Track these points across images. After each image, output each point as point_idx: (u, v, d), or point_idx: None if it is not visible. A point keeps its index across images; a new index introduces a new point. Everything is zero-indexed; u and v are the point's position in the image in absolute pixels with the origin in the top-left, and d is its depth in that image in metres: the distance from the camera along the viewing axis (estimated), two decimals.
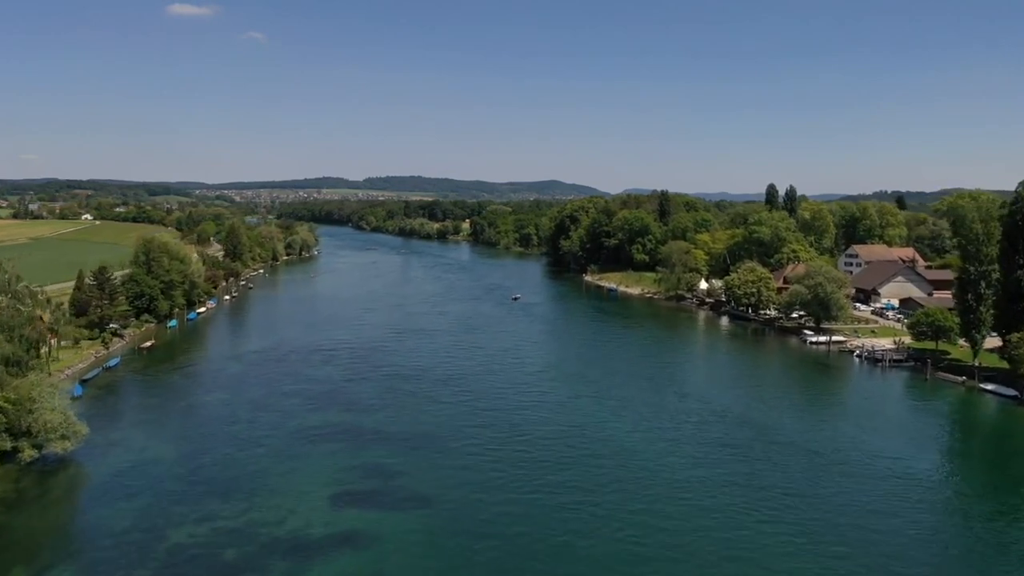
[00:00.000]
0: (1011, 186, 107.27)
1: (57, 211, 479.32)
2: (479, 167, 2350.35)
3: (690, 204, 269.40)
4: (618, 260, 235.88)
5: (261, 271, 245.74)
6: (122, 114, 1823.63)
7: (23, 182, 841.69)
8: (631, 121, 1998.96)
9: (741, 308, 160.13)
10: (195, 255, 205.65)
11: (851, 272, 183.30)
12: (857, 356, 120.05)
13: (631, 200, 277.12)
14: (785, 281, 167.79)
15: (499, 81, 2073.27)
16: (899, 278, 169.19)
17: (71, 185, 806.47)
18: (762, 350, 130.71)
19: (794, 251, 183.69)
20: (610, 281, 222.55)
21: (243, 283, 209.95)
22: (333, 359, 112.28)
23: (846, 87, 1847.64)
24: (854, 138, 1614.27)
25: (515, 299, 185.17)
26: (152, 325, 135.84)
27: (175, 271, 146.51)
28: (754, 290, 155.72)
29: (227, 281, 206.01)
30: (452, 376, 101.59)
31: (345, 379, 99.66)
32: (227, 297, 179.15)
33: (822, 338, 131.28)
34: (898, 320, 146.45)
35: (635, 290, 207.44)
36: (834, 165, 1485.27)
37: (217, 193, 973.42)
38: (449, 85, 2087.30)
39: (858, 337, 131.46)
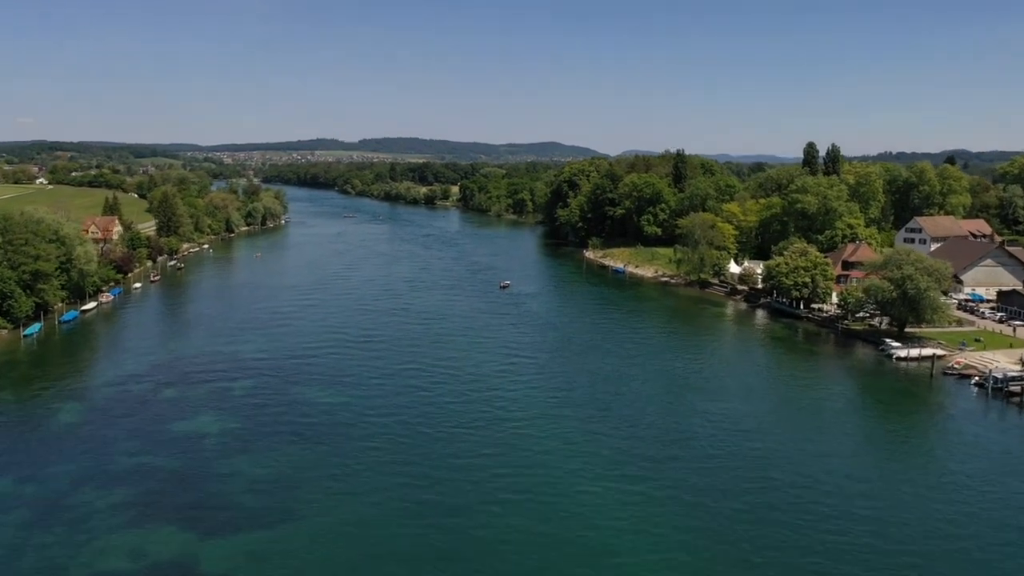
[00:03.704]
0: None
1: (11, 174, 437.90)
2: (477, 129, 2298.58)
3: (708, 167, 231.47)
4: (624, 233, 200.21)
5: (206, 246, 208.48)
6: (115, 74, 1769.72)
7: (11, 144, 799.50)
8: (630, 81, 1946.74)
9: (785, 301, 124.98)
10: (117, 229, 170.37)
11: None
12: (976, 384, 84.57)
13: (639, 162, 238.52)
14: (844, 267, 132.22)
15: (497, 41, 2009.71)
16: (987, 261, 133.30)
17: (55, 147, 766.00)
18: (834, 370, 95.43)
19: (850, 226, 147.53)
20: (616, 259, 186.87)
21: (172, 264, 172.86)
22: (223, 397, 76.65)
23: (849, 46, 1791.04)
24: (857, 99, 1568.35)
25: (503, 287, 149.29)
26: (4, 332, 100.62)
27: (47, 256, 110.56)
28: (807, 279, 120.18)
29: (154, 262, 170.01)
30: (392, 437, 65.76)
31: (219, 446, 63.86)
32: (137, 285, 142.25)
33: (914, 351, 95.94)
34: (1001, 320, 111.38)
35: (647, 271, 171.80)
36: (837, 127, 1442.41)
37: (207, 155, 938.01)
38: (446, 45, 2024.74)
39: (963, 349, 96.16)
